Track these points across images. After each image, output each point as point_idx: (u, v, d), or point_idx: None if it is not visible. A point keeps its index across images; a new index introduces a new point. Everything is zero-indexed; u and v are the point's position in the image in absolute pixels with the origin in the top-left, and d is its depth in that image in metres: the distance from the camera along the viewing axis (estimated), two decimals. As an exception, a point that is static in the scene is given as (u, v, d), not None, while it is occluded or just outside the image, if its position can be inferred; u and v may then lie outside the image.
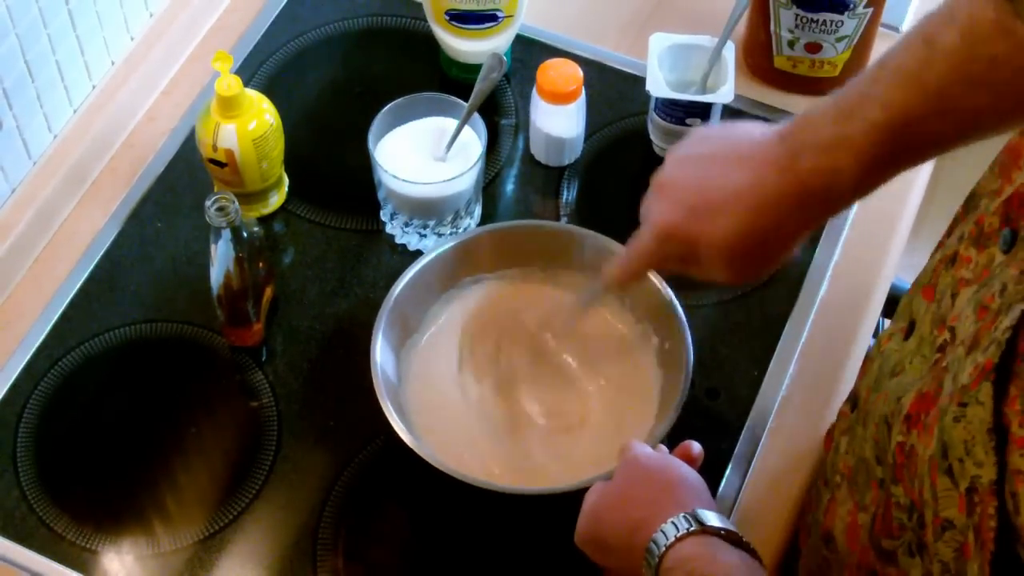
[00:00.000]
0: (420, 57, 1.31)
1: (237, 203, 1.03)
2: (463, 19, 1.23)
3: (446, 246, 1.09)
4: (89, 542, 1.03)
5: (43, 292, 1.16)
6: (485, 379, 1.08)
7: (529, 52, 1.31)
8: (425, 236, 1.17)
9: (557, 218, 1.21)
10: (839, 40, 1.23)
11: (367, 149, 1.13)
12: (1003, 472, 0.60)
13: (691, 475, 0.90)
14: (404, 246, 1.18)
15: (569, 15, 1.36)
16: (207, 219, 1.02)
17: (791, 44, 1.25)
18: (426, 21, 1.26)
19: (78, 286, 1.16)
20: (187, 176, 1.23)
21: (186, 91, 1.29)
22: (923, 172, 1.25)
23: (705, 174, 0.87)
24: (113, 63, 1.26)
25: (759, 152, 0.85)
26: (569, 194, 1.23)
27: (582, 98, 1.19)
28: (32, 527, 1.03)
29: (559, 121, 1.20)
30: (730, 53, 1.19)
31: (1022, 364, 0.62)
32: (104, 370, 1.12)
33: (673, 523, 0.82)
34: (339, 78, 1.31)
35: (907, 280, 1.30)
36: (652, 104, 1.21)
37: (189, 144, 1.23)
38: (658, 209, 0.90)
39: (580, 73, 1.18)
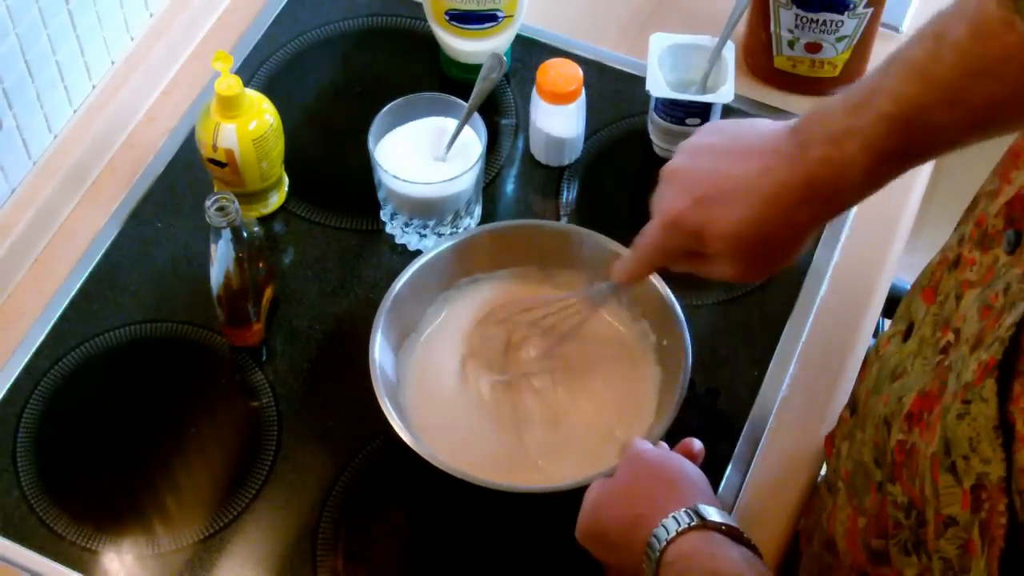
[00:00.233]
0: (420, 57, 1.31)
1: (237, 203, 1.03)
2: (463, 19, 1.23)
3: (445, 245, 1.09)
4: (89, 542, 1.03)
5: (43, 292, 1.16)
6: (484, 378, 1.08)
7: (529, 52, 1.31)
8: (425, 236, 1.17)
9: (557, 218, 1.21)
10: (839, 40, 1.23)
11: (367, 149, 1.13)
12: (1010, 469, 0.60)
13: (693, 471, 0.90)
14: (404, 246, 1.18)
15: (569, 15, 1.36)
16: (207, 219, 1.02)
17: (791, 44, 1.25)
18: (426, 21, 1.26)
19: (78, 286, 1.16)
20: (187, 176, 1.23)
21: (186, 91, 1.29)
22: (923, 172, 1.25)
23: (715, 164, 0.87)
24: (113, 63, 1.26)
25: (769, 144, 0.85)
26: (569, 194, 1.23)
27: (582, 98, 1.19)
28: (32, 527, 1.03)
29: (559, 121, 1.20)
30: (730, 53, 1.19)
31: None
32: (104, 370, 1.12)
33: (674, 518, 0.83)
34: (339, 78, 1.31)
35: (907, 280, 1.30)
36: (652, 104, 1.21)
37: (189, 144, 1.23)
38: (666, 198, 0.90)
39: (580, 73, 1.18)
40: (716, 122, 0.93)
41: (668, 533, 0.82)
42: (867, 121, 0.79)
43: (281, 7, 1.35)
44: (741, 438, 1.08)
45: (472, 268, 1.12)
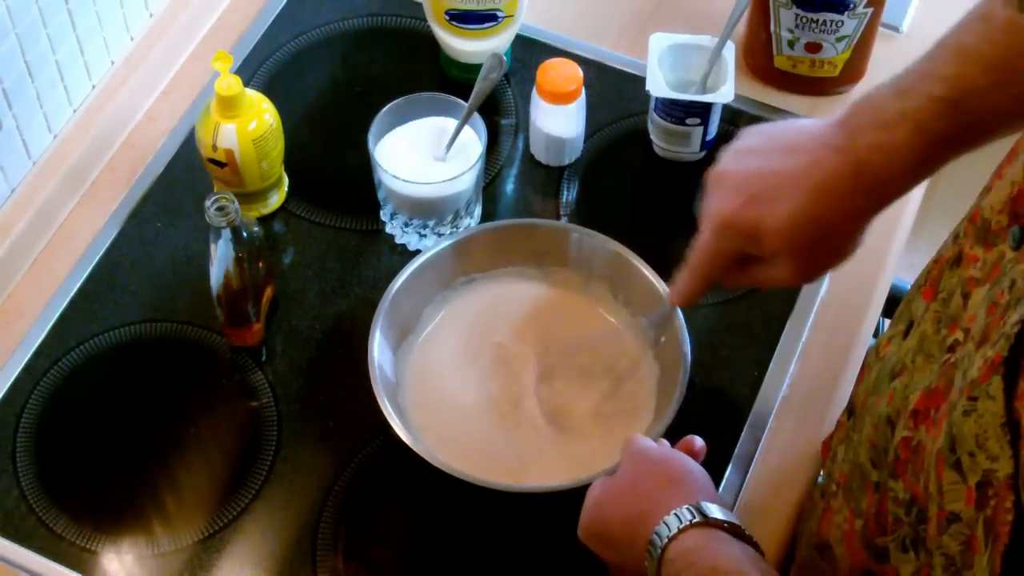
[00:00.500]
0: (420, 57, 1.31)
1: (237, 203, 1.03)
2: (463, 19, 1.23)
3: (443, 245, 1.09)
4: (89, 542, 1.03)
5: (43, 292, 1.16)
6: (483, 377, 1.08)
7: (529, 52, 1.31)
8: (425, 236, 1.17)
9: (557, 218, 1.21)
10: (839, 40, 1.23)
11: (367, 149, 1.13)
12: (1018, 466, 0.60)
13: (695, 468, 0.90)
14: (404, 246, 1.18)
15: (569, 15, 1.36)
16: (207, 219, 1.02)
17: (791, 44, 1.25)
18: (426, 21, 1.26)
19: (78, 286, 1.16)
20: (187, 176, 1.23)
21: (186, 91, 1.29)
22: (923, 172, 1.25)
23: (763, 162, 0.87)
24: (113, 63, 1.26)
25: (816, 138, 0.85)
26: (569, 194, 1.23)
27: (582, 98, 1.19)
28: (32, 527, 1.03)
29: (559, 121, 1.20)
30: (730, 53, 1.19)
31: None
32: (104, 370, 1.12)
33: (676, 515, 0.82)
34: (339, 78, 1.31)
35: (907, 280, 1.30)
36: (652, 104, 1.21)
37: (189, 144, 1.23)
38: (717, 201, 0.88)
39: (580, 73, 1.18)
40: (758, 125, 0.92)
41: (670, 530, 0.82)
42: (917, 105, 0.79)
43: (281, 7, 1.35)
44: (741, 438, 1.08)
45: (471, 267, 1.12)
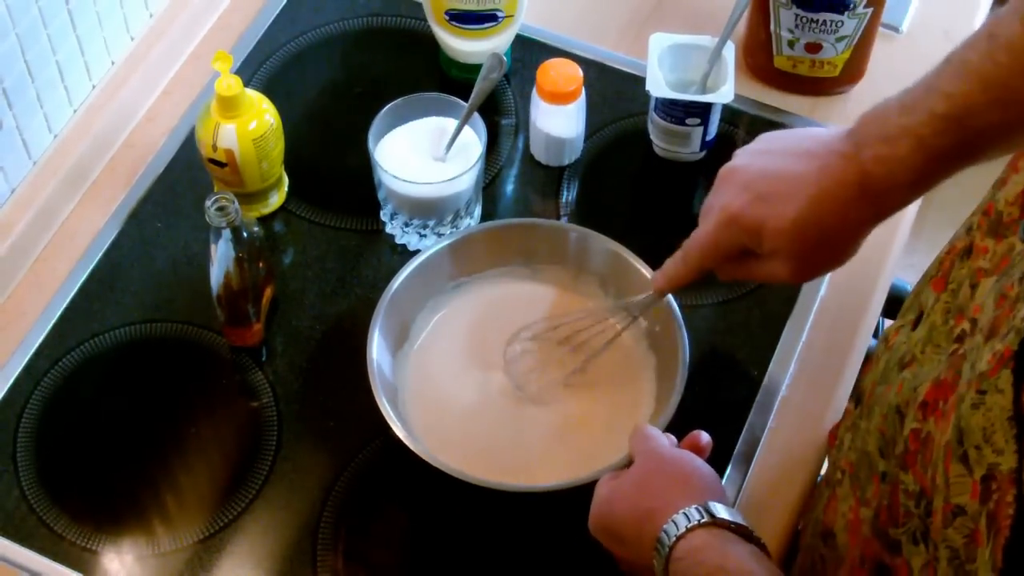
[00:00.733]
0: (420, 57, 1.31)
1: (237, 203, 1.03)
2: (463, 19, 1.23)
3: (443, 245, 1.09)
4: (89, 542, 1.03)
5: (43, 292, 1.16)
6: (482, 376, 1.08)
7: (529, 52, 1.31)
8: (425, 236, 1.17)
9: (557, 218, 1.21)
10: (839, 40, 1.23)
11: (367, 149, 1.13)
12: (1022, 460, 0.60)
13: (704, 468, 0.90)
14: (404, 246, 1.18)
15: (569, 15, 1.36)
16: (207, 219, 1.02)
17: (791, 44, 1.25)
18: (426, 21, 1.26)
19: (78, 286, 1.16)
20: (187, 176, 1.23)
21: (186, 91, 1.29)
22: (923, 172, 1.25)
23: (772, 162, 0.89)
24: (113, 63, 1.26)
25: (826, 145, 0.87)
26: (569, 194, 1.23)
27: (582, 98, 1.19)
28: (32, 527, 1.03)
29: (559, 121, 1.20)
30: (730, 53, 1.19)
31: None
32: (104, 370, 1.12)
33: (684, 514, 0.83)
34: (339, 78, 1.31)
35: (907, 280, 1.31)
36: (652, 104, 1.21)
37: (189, 144, 1.23)
38: (724, 196, 0.91)
39: (580, 73, 1.18)
40: (775, 131, 0.95)
41: (678, 529, 0.83)
42: (919, 120, 0.81)
43: (281, 7, 1.35)
44: (741, 438, 1.08)
45: (470, 267, 1.12)
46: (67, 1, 1.15)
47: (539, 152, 1.24)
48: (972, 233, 0.81)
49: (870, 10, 1.20)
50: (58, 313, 1.14)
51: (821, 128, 0.91)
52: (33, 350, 1.12)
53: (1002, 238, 0.77)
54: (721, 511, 0.83)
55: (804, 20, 1.21)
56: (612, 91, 1.29)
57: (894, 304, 1.29)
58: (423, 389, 1.07)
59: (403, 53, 1.33)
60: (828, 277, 1.17)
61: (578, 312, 1.09)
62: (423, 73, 1.30)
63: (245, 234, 1.05)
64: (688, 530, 0.82)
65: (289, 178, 1.22)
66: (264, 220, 1.19)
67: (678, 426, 0.99)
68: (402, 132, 1.16)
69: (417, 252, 1.11)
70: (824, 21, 1.21)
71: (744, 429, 1.09)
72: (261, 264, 1.10)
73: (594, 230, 1.10)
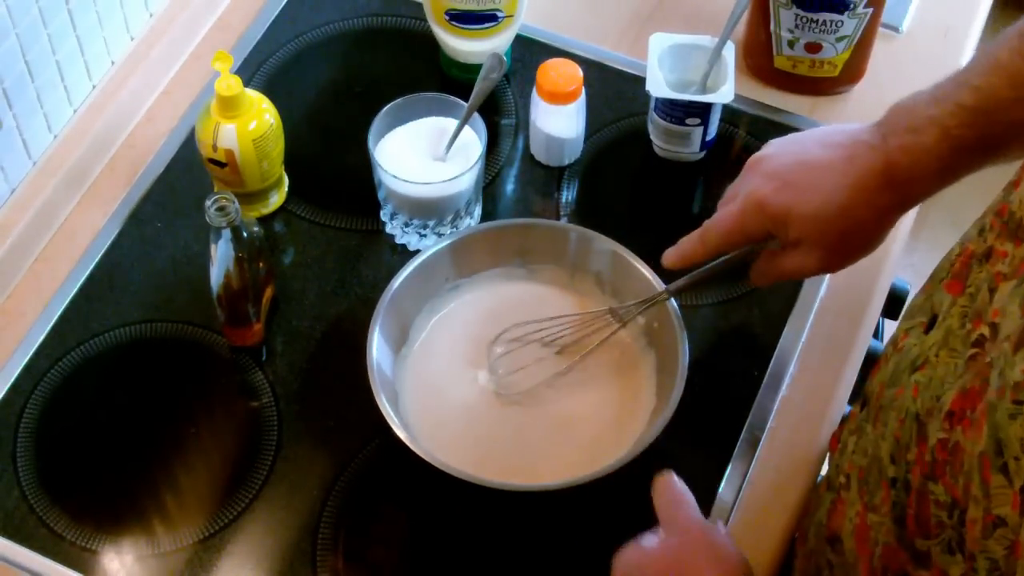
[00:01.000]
0: (420, 57, 1.31)
1: (237, 203, 1.03)
2: (463, 19, 1.23)
3: (443, 245, 1.09)
4: (89, 542, 1.03)
5: (43, 292, 1.16)
6: (482, 376, 1.08)
7: (529, 52, 1.31)
8: (425, 236, 1.17)
9: (557, 218, 1.21)
10: (839, 40, 1.23)
11: (367, 149, 1.13)
12: None
13: (733, 546, 0.87)
14: (404, 246, 1.18)
15: (569, 15, 1.36)
16: (207, 219, 1.02)
17: (791, 44, 1.25)
18: (426, 21, 1.26)
19: (78, 286, 1.16)
20: (187, 176, 1.23)
21: (186, 91, 1.29)
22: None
23: (801, 152, 0.91)
24: (113, 63, 1.26)
25: (854, 136, 0.89)
26: (569, 194, 1.23)
27: (582, 98, 1.19)
28: (32, 527, 1.03)
29: (559, 121, 1.20)
30: (730, 53, 1.19)
31: None
32: (104, 370, 1.12)
33: None
34: (339, 78, 1.31)
35: (907, 280, 1.31)
36: (652, 104, 1.21)
37: (189, 144, 1.23)
38: (750, 183, 0.93)
39: (580, 73, 1.18)
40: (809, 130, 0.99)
41: None
42: (946, 111, 0.83)
43: (281, 7, 1.35)
44: (741, 438, 1.08)
45: (470, 267, 1.12)
46: (67, 1, 1.15)
47: (539, 152, 1.24)
48: (985, 235, 0.81)
49: (870, 10, 1.20)
50: (58, 313, 1.14)
51: (852, 124, 0.93)
52: (33, 350, 1.12)
53: (1020, 242, 0.76)
54: None
55: (804, 20, 1.21)
56: (612, 91, 1.29)
57: (894, 304, 1.30)
58: (423, 389, 1.07)
59: (403, 53, 1.33)
60: (828, 277, 1.17)
61: (569, 316, 1.08)
62: (423, 73, 1.30)
63: (245, 234, 1.05)
64: None
65: (289, 178, 1.22)
66: (264, 220, 1.19)
67: (679, 425, 0.99)
68: (402, 132, 1.16)
69: (417, 252, 1.11)
70: (824, 21, 1.21)
71: (744, 429, 1.09)
72: (261, 264, 1.10)
73: (594, 230, 1.11)
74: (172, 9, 1.31)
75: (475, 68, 1.20)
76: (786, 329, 1.15)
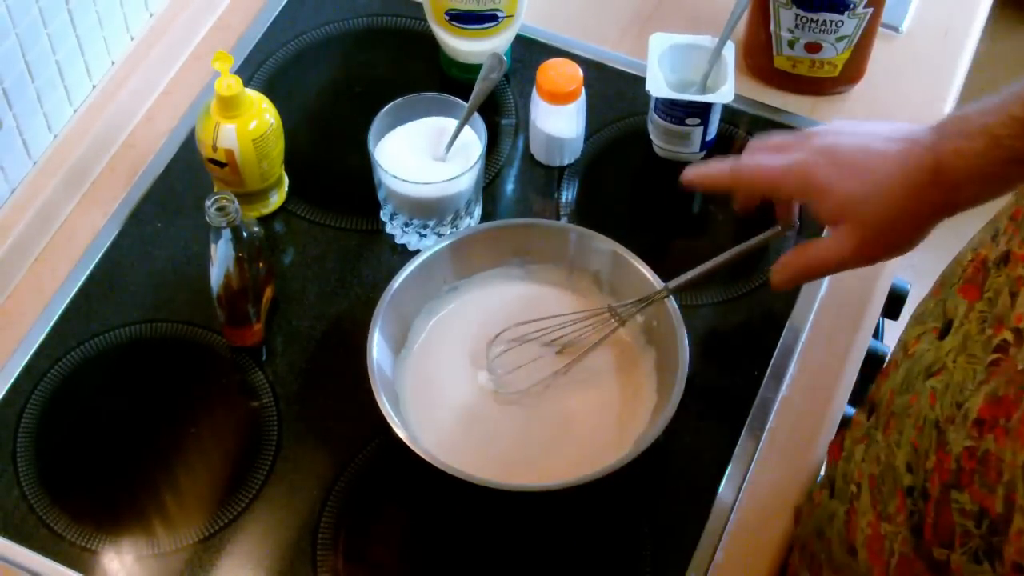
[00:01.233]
0: (420, 57, 1.31)
1: (237, 203, 1.03)
2: (463, 19, 1.23)
3: (442, 245, 1.09)
4: (89, 542, 1.03)
5: (43, 292, 1.16)
6: (482, 375, 1.08)
7: (529, 52, 1.31)
8: (425, 236, 1.17)
9: (557, 218, 1.21)
10: (839, 40, 1.23)
11: (367, 149, 1.13)
12: None
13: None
14: (404, 246, 1.18)
15: (569, 15, 1.36)
16: (207, 219, 1.02)
17: (791, 44, 1.25)
18: (426, 21, 1.26)
19: (78, 286, 1.16)
20: (187, 176, 1.23)
21: (186, 91, 1.29)
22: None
23: (855, 138, 0.93)
24: (113, 63, 1.26)
25: (910, 133, 0.92)
26: (569, 194, 1.23)
27: (582, 98, 1.19)
28: (32, 527, 1.03)
29: (559, 121, 1.20)
30: (730, 53, 1.19)
31: None
32: (104, 370, 1.12)
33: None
34: (339, 78, 1.31)
35: (907, 280, 1.31)
36: (652, 104, 1.21)
37: (189, 144, 1.23)
38: (803, 150, 0.95)
39: (580, 73, 1.18)
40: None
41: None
42: (998, 121, 0.84)
43: (281, 7, 1.35)
44: (741, 438, 1.08)
45: (470, 267, 1.12)
46: (67, 1, 1.15)
47: (539, 152, 1.24)
48: (999, 239, 0.80)
49: (870, 10, 1.20)
50: (58, 313, 1.14)
51: (909, 124, 0.95)
52: (33, 350, 1.12)
53: None
54: None
55: (804, 20, 1.21)
56: (612, 91, 1.29)
57: (894, 304, 1.30)
58: (423, 389, 1.07)
59: (403, 53, 1.33)
60: (828, 277, 1.17)
61: (568, 315, 1.08)
62: (423, 73, 1.30)
63: (245, 234, 1.05)
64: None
65: (289, 178, 1.22)
66: (264, 220, 1.19)
67: (679, 426, 0.99)
68: (402, 132, 1.16)
69: (417, 252, 1.11)
70: (824, 21, 1.21)
71: (744, 428, 1.09)
72: (261, 264, 1.10)
73: (594, 230, 1.11)
74: (172, 9, 1.31)
75: (475, 68, 1.20)
76: (786, 329, 1.14)
